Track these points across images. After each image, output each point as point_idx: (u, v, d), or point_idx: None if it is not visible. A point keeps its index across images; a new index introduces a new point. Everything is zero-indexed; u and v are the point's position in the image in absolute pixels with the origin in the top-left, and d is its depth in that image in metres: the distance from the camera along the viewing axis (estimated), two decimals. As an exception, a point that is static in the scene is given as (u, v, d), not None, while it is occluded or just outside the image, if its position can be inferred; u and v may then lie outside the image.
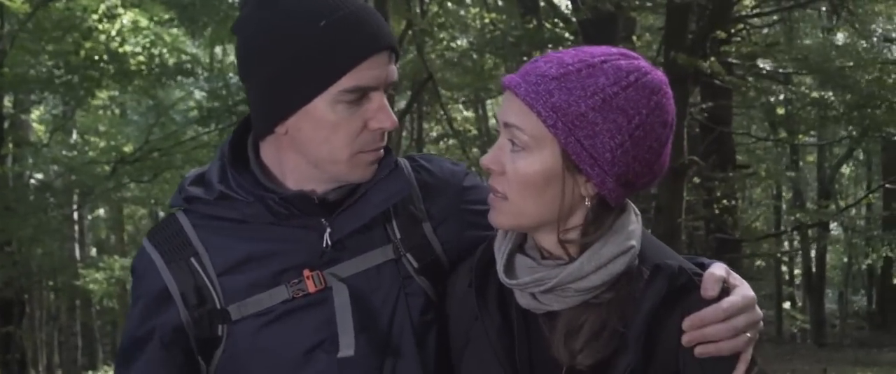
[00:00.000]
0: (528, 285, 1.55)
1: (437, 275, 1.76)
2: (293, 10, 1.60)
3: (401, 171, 1.74)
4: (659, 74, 1.54)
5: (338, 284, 1.65)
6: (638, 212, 1.60)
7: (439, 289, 1.76)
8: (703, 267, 1.56)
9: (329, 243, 1.67)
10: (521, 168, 1.51)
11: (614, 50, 1.55)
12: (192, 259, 1.67)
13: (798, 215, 17.77)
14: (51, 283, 21.11)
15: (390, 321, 1.70)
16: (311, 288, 1.65)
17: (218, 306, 1.66)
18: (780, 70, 13.01)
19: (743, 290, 1.52)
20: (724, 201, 13.23)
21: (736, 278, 1.55)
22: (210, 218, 1.69)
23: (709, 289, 1.49)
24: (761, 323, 1.53)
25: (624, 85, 1.48)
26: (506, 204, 1.54)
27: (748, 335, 1.50)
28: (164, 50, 15.15)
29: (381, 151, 1.68)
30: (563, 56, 1.53)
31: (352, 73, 1.58)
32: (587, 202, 1.53)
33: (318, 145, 1.62)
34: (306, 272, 1.66)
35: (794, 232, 18.54)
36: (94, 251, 25.17)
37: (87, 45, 13.37)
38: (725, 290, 1.51)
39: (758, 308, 1.53)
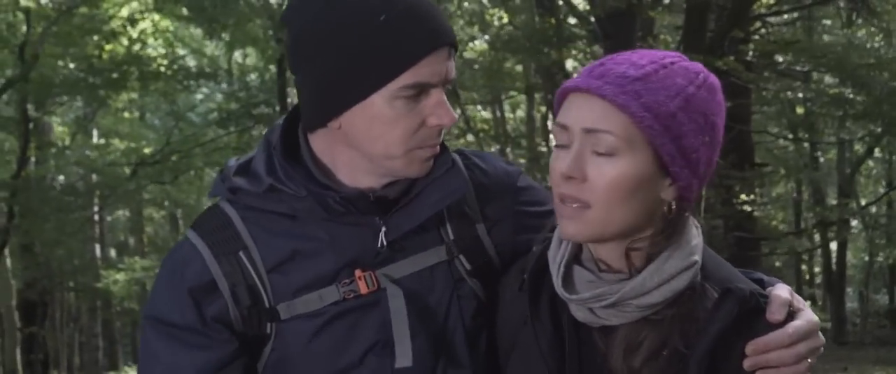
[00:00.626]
0: (588, 301, 1.50)
1: (488, 277, 1.71)
2: (351, 3, 1.54)
3: (458, 169, 1.68)
4: (713, 75, 1.53)
5: (393, 287, 1.60)
6: (699, 226, 1.56)
7: (489, 291, 1.71)
8: (762, 284, 1.54)
9: (385, 242, 1.62)
10: (610, 174, 1.44)
11: (670, 52, 1.54)
12: (241, 254, 1.61)
13: (817, 210, 17.67)
14: (72, 284, 21.25)
15: (444, 324, 1.65)
16: (364, 290, 1.61)
17: (267, 304, 1.61)
18: (798, 68, 12.97)
19: (807, 315, 1.48)
20: (743, 196, 13.18)
21: (799, 301, 1.51)
22: (258, 211, 1.63)
23: (776, 313, 1.46)
24: (822, 349, 1.50)
25: (697, 85, 1.47)
26: (588, 213, 1.46)
27: (809, 361, 1.46)
28: (185, 52, 15.28)
29: (438, 147, 1.62)
30: (631, 57, 1.50)
31: (412, 69, 1.53)
32: (665, 208, 1.50)
33: (374, 141, 1.57)
34: (358, 273, 1.61)
35: (814, 230, 18.45)
36: (113, 253, 25.32)
37: (108, 47, 13.50)
38: (790, 314, 1.47)
39: (820, 334, 1.49)
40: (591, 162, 1.45)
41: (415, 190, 1.64)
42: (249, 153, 1.70)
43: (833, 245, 21.42)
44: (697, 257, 1.49)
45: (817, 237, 20.50)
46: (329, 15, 1.54)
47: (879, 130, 13.98)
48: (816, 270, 26.25)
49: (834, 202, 20.62)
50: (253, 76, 17.77)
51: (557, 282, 1.53)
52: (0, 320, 16.25)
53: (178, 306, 1.61)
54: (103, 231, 22.79)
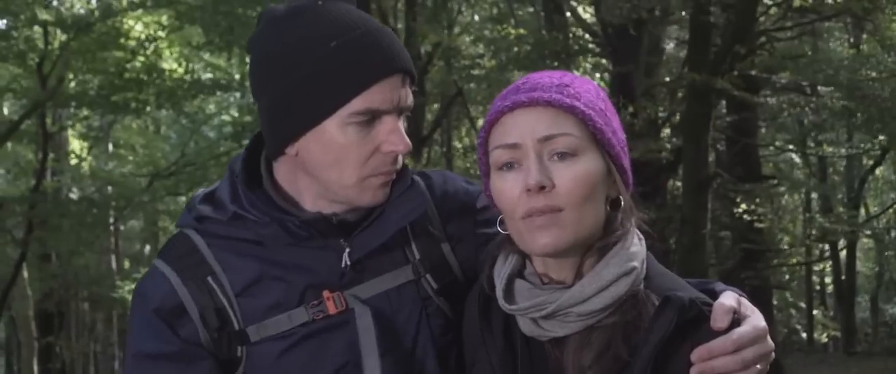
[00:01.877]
0: (528, 311, 1.51)
1: (455, 295, 1.72)
2: (306, 29, 1.57)
3: (417, 188, 1.70)
4: None
5: (360, 306, 1.62)
6: (642, 236, 1.58)
7: (457, 309, 1.72)
8: (715, 294, 1.52)
9: (348, 263, 1.64)
10: (577, 172, 1.47)
11: None
12: (209, 278, 1.63)
13: (819, 223, 17.68)
14: (87, 294, 21.43)
15: (414, 342, 1.67)
16: (332, 310, 1.62)
17: (236, 327, 1.62)
18: (802, 82, 13.09)
19: (754, 320, 1.48)
20: (744, 206, 13.30)
21: (747, 307, 1.51)
22: (224, 238, 1.64)
23: (718, 320, 1.45)
24: (772, 355, 1.49)
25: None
26: (563, 216, 1.47)
27: (758, 367, 1.46)
28: (199, 66, 15.46)
29: (394, 174, 1.64)
30: (540, 74, 1.55)
31: (363, 95, 1.55)
32: (607, 206, 1.53)
33: (328, 168, 1.59)
34: (326, 294, 1.62)
35: (824, 240, 18.45)
36: (127, 263, 25.52)
37: (129, 62, 13.72)
38: (736, 321, 1.46)
39: (769, 340, 1.49)
40: (554, 168, 1.47)
41: (376, 211, 1.66)
42: (215, 184, 1.73)
43: (842, 255, 21.45)
44: (636, 264, 1.51)
45: (827, 248, 20.52)
46: (284, 43, 1.58)
47: (883, 141, 14.06)
48: (827, 280, 26.21)
49: (841, 213, 20.64)
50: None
51: (500, 294, 1.54)
52: (17, 330, 16.50)
53: (152, 333, 1.62)
54: (118, 242, 23.01)
